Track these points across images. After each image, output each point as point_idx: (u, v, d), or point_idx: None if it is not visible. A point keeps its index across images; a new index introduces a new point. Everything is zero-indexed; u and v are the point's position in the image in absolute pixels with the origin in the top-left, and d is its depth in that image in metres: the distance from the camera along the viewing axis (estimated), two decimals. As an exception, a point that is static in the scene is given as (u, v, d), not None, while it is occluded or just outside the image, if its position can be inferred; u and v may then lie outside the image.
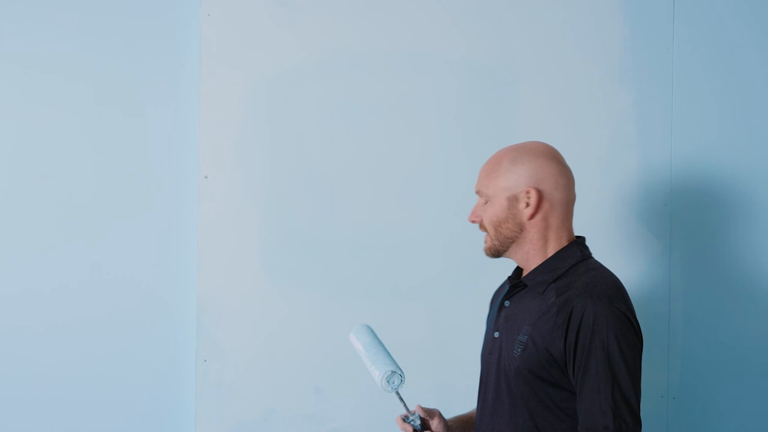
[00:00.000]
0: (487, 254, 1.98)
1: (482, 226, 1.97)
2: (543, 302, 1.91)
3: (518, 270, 2.05)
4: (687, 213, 2.51)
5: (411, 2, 2.55)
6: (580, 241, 2.00)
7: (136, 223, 2.57)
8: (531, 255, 1.97)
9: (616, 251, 2.49)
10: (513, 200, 1.93)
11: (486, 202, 1.96)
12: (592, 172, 2.51)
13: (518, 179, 1.94)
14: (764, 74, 2.53)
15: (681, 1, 2.53)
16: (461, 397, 2.38)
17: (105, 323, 2.55)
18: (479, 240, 2.11)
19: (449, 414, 2.17)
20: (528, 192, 1.93)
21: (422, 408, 2.02)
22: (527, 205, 1.93)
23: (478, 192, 1.97)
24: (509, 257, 1.99)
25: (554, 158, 1.97)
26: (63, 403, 2.55)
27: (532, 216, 1.93)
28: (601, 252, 2.46)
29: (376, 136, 2.54)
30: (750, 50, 2.52)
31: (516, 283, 2.00)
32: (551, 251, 1.95)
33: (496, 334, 1.99)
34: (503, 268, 2.20)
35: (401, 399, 2.00)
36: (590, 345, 1.82)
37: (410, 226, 2.53)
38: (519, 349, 1.90)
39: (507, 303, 2.00)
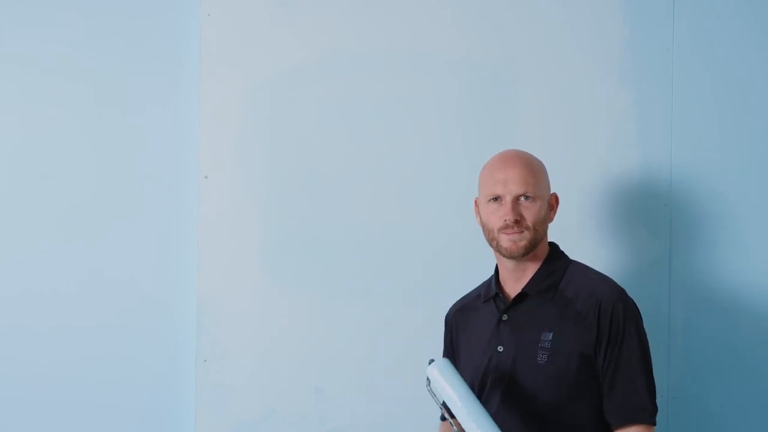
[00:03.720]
0: (520, 252, 2.02)
1: (520, 224, 2.01)
2: (557, 306, 2.02)
3: (493, 285, 2.11)
4: (687, 213, 2.51)
5: (411, 2, 2.55)
6: (554, 243, 2.13)
7: (135, 223, 2.57)
8: (535, 258, 2.06)
9: (616, 251, 2.49)
10: (547, 202, 2.08)
11: (531, 202, 2.03)
12: (592, 172, 2.51)
13: (548, 183, 2.10)
14: (764, 74, 2.53)
15: (681, 1, 2.53)
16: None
17: (105, 323, 2.56)
18: (479, 240, 2.12)
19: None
20: (554, 195, 2.12)
21: None
22: (551, 208, 2.10)
23: (524, 193, 2.02)
24: (524, 259, 2.04)
25: None
26: (63, 403, 2.55)
27: (552, 219, 2.11)
28: (601, 252, 2.47)
29: (376, 136, 2.54)
30: (750, 50, 2.52)
31: (518, 294, 2.05)
32: (543, 255, 2.08)
33: (500, 348, 2.03)
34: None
35: None
36: (624, 332, 1.97)
37: (410, 226, 2.53)
38: (544, 356, 1.98)
39: (505, 317, 2.06)
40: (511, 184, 2.03)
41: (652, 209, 2.50)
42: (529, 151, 2.14)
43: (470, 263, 2.37)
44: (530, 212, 2.02)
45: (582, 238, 2.46)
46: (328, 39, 2.54)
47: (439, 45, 2.54)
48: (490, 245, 2.08)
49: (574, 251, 2.17)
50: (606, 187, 2.51)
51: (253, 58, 2.53)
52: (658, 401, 2.01)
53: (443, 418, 2.22)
